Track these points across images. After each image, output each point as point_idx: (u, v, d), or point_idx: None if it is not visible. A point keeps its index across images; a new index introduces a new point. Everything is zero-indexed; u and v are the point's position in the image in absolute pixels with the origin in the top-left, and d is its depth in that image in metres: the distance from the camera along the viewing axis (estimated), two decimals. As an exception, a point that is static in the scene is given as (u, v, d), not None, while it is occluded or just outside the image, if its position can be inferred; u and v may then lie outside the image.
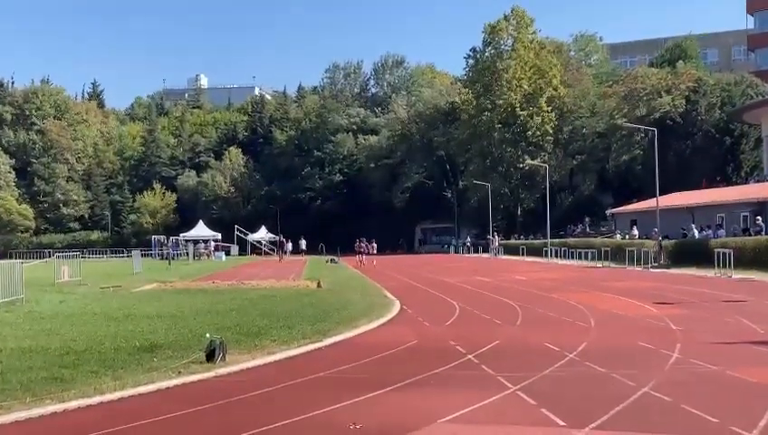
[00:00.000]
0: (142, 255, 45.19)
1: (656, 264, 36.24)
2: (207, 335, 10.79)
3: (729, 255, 28.75)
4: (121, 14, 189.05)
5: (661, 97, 63.07)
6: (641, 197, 52.45)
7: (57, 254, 35.13)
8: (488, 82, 71.86)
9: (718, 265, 29.24)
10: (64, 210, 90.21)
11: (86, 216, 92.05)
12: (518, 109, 69.57)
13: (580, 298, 19.90)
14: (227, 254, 69.34)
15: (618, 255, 40.22)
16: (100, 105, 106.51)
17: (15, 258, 35.00)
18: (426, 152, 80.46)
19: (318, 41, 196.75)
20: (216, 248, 69.35)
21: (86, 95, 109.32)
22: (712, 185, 53.04)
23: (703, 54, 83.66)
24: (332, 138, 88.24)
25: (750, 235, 35.53)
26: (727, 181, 56.42)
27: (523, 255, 54.14)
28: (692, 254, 35.01)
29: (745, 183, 53.76)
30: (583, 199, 69.71)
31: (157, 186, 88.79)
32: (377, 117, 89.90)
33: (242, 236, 77.55)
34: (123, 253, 63.42)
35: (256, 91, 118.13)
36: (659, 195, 40.90)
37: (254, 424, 7.10)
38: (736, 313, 16.01)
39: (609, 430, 6.84)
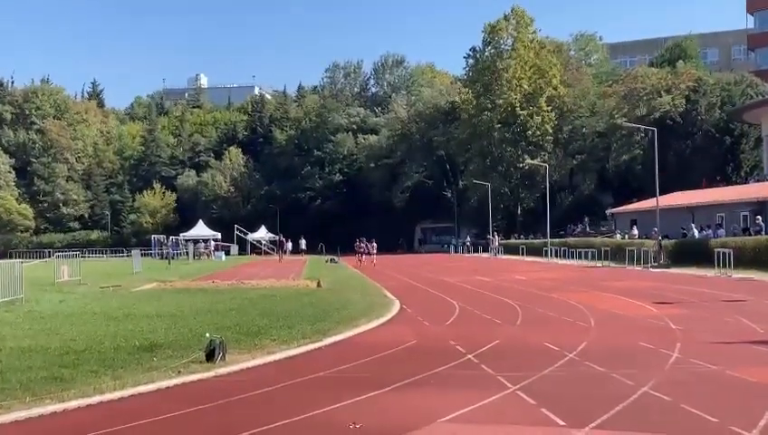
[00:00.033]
0: (142, 254, 45.19)
1: (656, 263, 36.24)
2: (207, 335, 10.79)
3: (729, 254, 28.77)
4: (121, 14, 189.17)
5: (661, 97, 63.09)
6: (641, 196, 52.45)
7: (57, 253, 35.13)
8: (488, 82, 71.88)
9: (718, 265, 29.25)
10: (64, 210, 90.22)
11: (86, 215, 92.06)
12: (518, 108, 69.58)
13: (579, 298, 19.90)
14: (227, 253, 69.35)
15: (618, 254, 40.23)
16: (100, 105, 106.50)
17: (15, 258, 35.02)
18: (426, 152, 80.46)
19: (318, 40, 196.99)
20: (216, 248, 69.35)
21: (86, 95, 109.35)
22: (712, 185, 53.05)
23: (703, 54, 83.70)
24: (332, 137, 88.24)
25: (750, 234, 35.54)
26: (727, 181, 56.43)
27: (522, 254, 54.14)
28: (692, 253, 35.01)
29: (745, 183, 53.77)
30: (583, 199, 69.72)
31: (157, 185, 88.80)
32: (377, 117, 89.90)
33: (242, 235, 77.57)
34: (123, 252, 63.44)
35: (256, 91, 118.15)
36: (659, 194, 40.90)
37: (254, 424, 7.10)
38: (736, 312, 16.01)
39: (609, 430, 6.84)
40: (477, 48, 75.26)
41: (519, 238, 64.11)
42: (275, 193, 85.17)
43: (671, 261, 36.08)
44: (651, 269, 34.70)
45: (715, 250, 30.33)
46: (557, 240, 53.30)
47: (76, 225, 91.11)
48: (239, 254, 72.89)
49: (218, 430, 7.18)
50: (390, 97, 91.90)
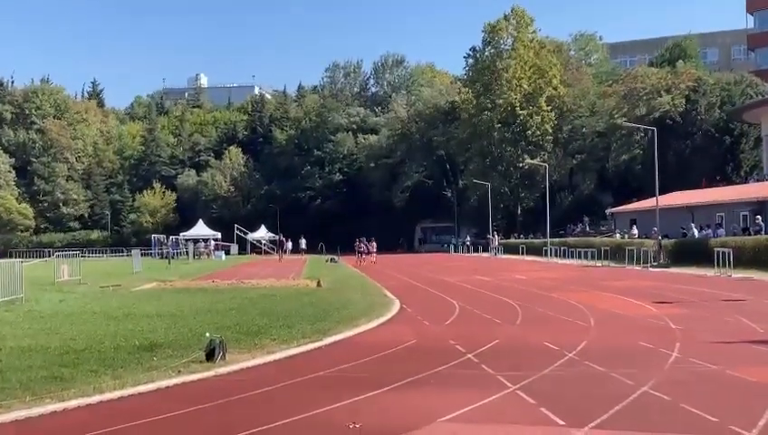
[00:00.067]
0: (142, 254, 45.19)
1: (655, 263, 36.24)
2: (207, 334, 10.78)
3: (729, 254, 28.77)
4: (121, 14, 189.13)
5: (661, 96, 63.10)
6: (641, 196, 52.45)
7: (57, 253, 35.14)
8: (488, 82, 71.90)
9: (718, 265, 29.25)
10: (64, 209, 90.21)
11: (86, 215, 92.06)
12: (518, 108, 69.61)
13: (579, 297, 19.90)
14: (227, 253, 69.37)
15: (617, 254, 40.23)
16: (100, 104, 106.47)
17: (15, 257, 35.03)
18: (425, 151, 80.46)
19: (318, 40, 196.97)
20: (216, 247, 69.40)
21: (86, 94, 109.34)
22: (711, 184, 53.06)
23: (702, 54, 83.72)
24: (332, 137, 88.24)
25: (749, 234, 35.54)
26: (727, 181, 56.42)
27: (522, 254, 54.15)
28: (691, 253, 35.01)
29: (745, 182, 53.77)
30: (583, 199, 69.72)
31: (156, 185, 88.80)
32: (377, 116, 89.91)
33: (242, 235, 77.58)
34: (123, 252, 63.44)
35: (256, 91, 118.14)
36: (659, 194, 40.92)
37: (254, 423, 7.11)
38: (736, 312, 16.02)
39: (609, 429, 6.84)
40: (477, 48, 75.37)
41: (519, 238, 64.13)
42: (275, 193, 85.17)
43: (671, 261, 36.08)
44: (651, 269, 34.70)
45: (715, 250, 30.33)
46: (557, 240, 53.32)
47: (76, 224, 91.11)
48: (239, 253, 72.89)
49: (218, 429, 7.19)
50: (390, 97, 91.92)
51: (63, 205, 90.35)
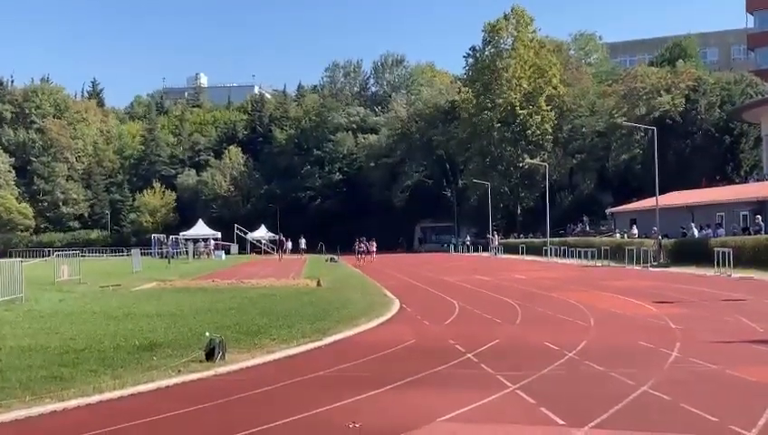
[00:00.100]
0: (142, 253, 45.19)
1: (655, 263, 36.25)
2: (207, 334, 10.78)
3: (729, 254, 28.78)
4: (121, 13, 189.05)
5: (661, 96, 63.10)
6: (641, 196, 52.46)
7: (57, 252, 35.15)
8: (488, 81, 71.91)
9: (718, 264, 29.26)
10: (64, 209, 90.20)
11: (86, 214, 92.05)
12: (518, 108, 69.62)
13: (579, 297, 19.90)
14: (227, 252, 69.38)
15: (617, 254, 40.23)
16: (100, 104, 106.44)
17: (15, 257, 35.01)
18: (425, 151, 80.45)
19: (318, 40, 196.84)
20: (216, 247, 69.39)
21: (86, 94, 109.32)
22: (711, 184, 53.07)
23: (702, 53, 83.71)
24: (332, 137, 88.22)
25: (749, 234, 35.55)
26: (727, 180, 56.42)
27: (522, 254, 54.15)
28: (691, 253, 35.02)
29: (745, 182, 53.77)
30: (583, 198, 69.72)
31: (156, 185, 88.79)
32: (376, 116, 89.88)
33: (241, 234, 77.57)
34: (123, 252, 63.43)
35: (256, 90, 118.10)
36: (659, 194, 40.93)
37: (254, 423, 7.11)
38: (736, 311, 16.02)
39: (609, 429, 6.84)
40: (477, 47, 75.40)
41: (519, 238, 64.14)
42: (275, 192, 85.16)
43: (671, 260, 36.09)
44: (651, 268, 34.70)
45: (715, 249, 30.34)
46: (557, 239, 53.33)
47: (76, 224, 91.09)
48: (239, 253, 72.87)
49: (218, 429, 7.18)
50: (390, 96, 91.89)
51: (63, 204, 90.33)
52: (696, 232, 39.58)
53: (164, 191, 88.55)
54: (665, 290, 22.31)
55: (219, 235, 74.08)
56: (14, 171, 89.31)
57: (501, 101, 70.52)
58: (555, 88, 70.65)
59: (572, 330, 13.67)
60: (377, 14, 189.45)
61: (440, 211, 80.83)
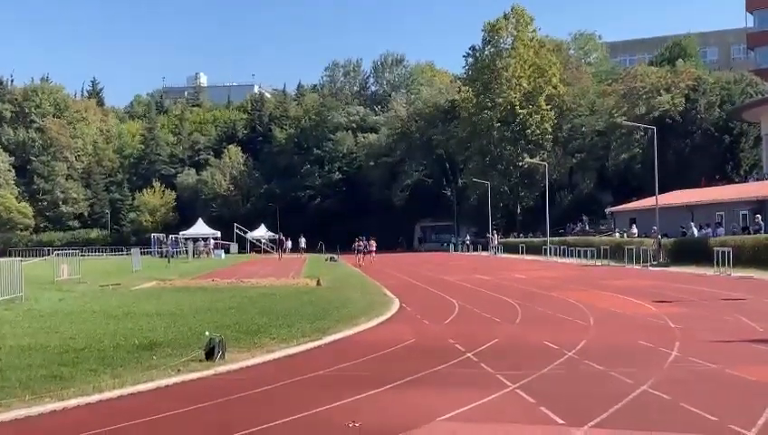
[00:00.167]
0: (142, 253, 45.19)
1: (655, 262, 36.25)
2: (207, 333, 10.78)
3: (728, 253, 28.78)
4: (121, 13, 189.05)
5: (660, 95, 63.11)
6: (640, 195, 52.48)
7: (56, 252, 35.10)
8: (488, 81, 71.91)
9: (717, 264, 29.26)
10: (64, 208, 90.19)
11: (85, 214, 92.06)
12: (517, 107, 69.62)
13: (579, 296, 19.91)
14: (227, 252, 69.39)
15: (617, 253, 40.23)
16: (100, 103, 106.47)
17: (15, 256, 35.00)
18: (425, 150, 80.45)
19: (318, 39, 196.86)
20: (216, 246, 69.40)
21: (85, 93, 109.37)
22: (711, 183, 53.08)
23: (702, 53, 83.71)
24: (332, 136, 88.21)
25: (749, 233, 35.56)
26: (727, 180, 56.43)
27: (522, 253, 54.15)
28: (691, 252, 35.02)
29: (745, 181, 53.76)
30: (583, 198, 69.73)
31: (156, 184, 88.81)
32: (376, 115, 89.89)
33: (241, 234, 77.58)
34: (122, 251, 63.41)
35: (256, 90, 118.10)
36: (659, 193, 40.93)
37: (254, 422, 7.11)
38: (735, 311, 16.03)
39: (608, 428, 6.85)
40: (477, 47, 75.43)
41: (518, 237, 64.15)
42: (275, 191, 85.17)
43: (670, 260, 36.10)
44: (650, 268, 34.71)
45: (715, 249, 30.35)
46: (556, 239, 53.35)
47: (76, 223, 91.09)
48: (239, 252, 72.87)
49: (218, 428, 7.18)
50: (390, 96, 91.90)
51: (63, 204, 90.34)
52: (695, 231, 39.59)
53: (164, 190, 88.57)
54: (664, 289, 22.31)
55: (219, 234, 74.09)
56: (13, 170, 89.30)
57: (501, 100, 70.52)
58: (555, 87, 70.65)
59: (572, 329, 13.68)
60: (377, 14, 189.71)
61: (440, 210, 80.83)
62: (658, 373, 9.32)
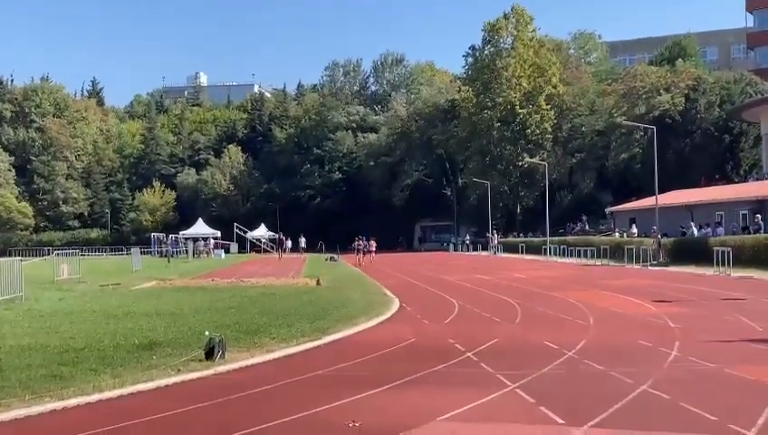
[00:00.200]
0: (141, 252, 45.19)
1: (655, 262, 36.25)
2: (207, 333, 10.78)
3: (728, 253, 28.76)
4: (121, 13, 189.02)
5: (660, 95, 63.11)
6: (640, 195, 52.47)
7: (56, 251, 35.12)
8: (487, 80, 71.92)
9: (717, 264, 29.24)
10: (64, 208, 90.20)
11: (85, 213, 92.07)
12: (517, 107, 69.62)
13: (579, 296, 19.91)
14: (227, 252, 69.39)
15: (617, 253, 40.23)
16: (100, 103, 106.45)
17: (15, 256, 35.00)
18: (425, 150, 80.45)
19: (318, 39, 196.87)
20: (216, 246, 69.40)
21: (85, 93, 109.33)
22: (711, 183, 53.06)
23: (702, 52, 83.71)
24: (332, 136, 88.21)
25: (749, 233, 35.56)
26: (726, 179, 56.42)
27: (522, 253, 54.15)
28: (691, 252, 35.01)
29: (744, 181, 53.76)
30: (582, 197, 69.73)
31: (156, 184, 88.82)
32: (376, 115, 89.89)
33: (241, 233, 77.59)
34: (122, 251, 63.42)
35: (256, 89, 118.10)
36: (658, 193, 40.92)
37: (253, 422, 7.11)
38: (735, 311, 16.03)
39: (608, 428, 6.85)
40: (477, 46, 75.41)
41: (518, 237, 64.15)
42: (275, 191, 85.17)
43: (670, 259, 36.09)
44: (650, 268, 34.71)
45: (714, 249, 30.34)
46: (556, 238, 53.35)
47: (76, 223, 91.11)
48: (239, 252, 72.87)
49: (217, 427, 7.19)
50: (390, 95, 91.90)
51: (63, 203, 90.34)
52: (695, 231, 39.59)
53: (164, 190, 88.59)
54: (664, 289, 22.31)
55: (219, 234, 74.09)
56: (13, 170, 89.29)
57: (500, 100, 70.52)
58: (555, 87, 70.64)
59: (572, 329, 13.68)
60: (377, 14, 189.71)
61: (440, 210, 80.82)
62: (658, 373, 9.32)
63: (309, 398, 8.13)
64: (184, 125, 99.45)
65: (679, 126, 60.75)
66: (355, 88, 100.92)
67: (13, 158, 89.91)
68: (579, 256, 44.16)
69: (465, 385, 8.84)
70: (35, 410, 7.64)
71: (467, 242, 71.21)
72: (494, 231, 62.91)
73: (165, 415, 7.52)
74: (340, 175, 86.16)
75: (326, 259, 48.61)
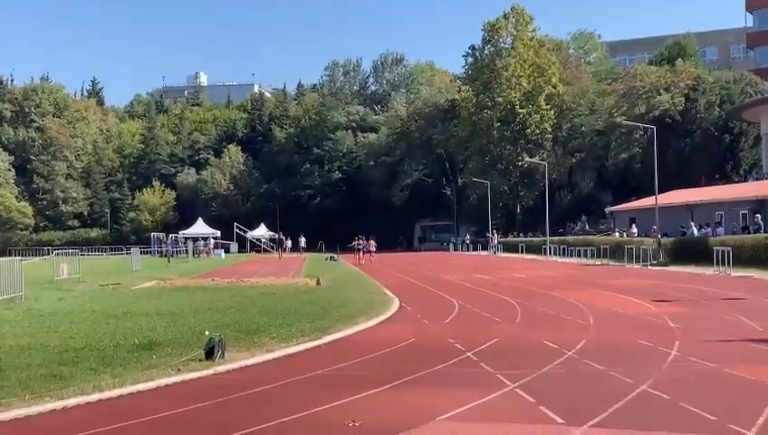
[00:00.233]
0: (141, 252, 45.20)
1: (654, 261, 36.26)
2: (207, 333, 10.78)
3: (728, 252, 28.77)
4: (121, 12, 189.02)
5: (660, 95, 63.12)
6: (640, 195, 52.49)
7: (56, 251, 35.07)
8: (487, 80, 71.93)
9: (717, 263, 29.26)
10: (63, 208, 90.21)
11: (85, 213, 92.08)
12: (517, 107, 69.62)
13: (579, 296, 19.90)
14: (227, 251, 69.39)
15: (617, 252, 40.24)
16: (100, 103, 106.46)
17: (15, 255, 34.99)
18: (425, 150, 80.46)
19: (317, 39, 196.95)
20: (216, 246, 69.38)
21: (85, 92, 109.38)
22: (711, 183, 53.07)
23: (702, 52, 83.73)
24: (332, 135, 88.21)
25: (749, 232, 35.57)
26: (726, 179, 56.45)
27: (522, 252, 54.16)
28: (691, 252, 35.03)
29: (744, 181, 53.78)
30: (582, 197, 69.75)
31: (156, 183, 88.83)
32: (376, 114, 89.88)
33: (241, 233, 77.58)
34: (122, 250, 63.40)
35: (256, 89, 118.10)
36: (658, 193, 40.94)
37: (253, 422, 7.11)
38: (735, 310, 16.03)
39: (608, 428, 6.84)
40: (477, 46, 75.42)
41: (518, 236, 64.16)
42: (275, 191, 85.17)
43: (670, 259, 36.10)
44: (650, 267, 34.72)
45: (714, 248, 30.35)
46: (556, 238, 53.35)
47: (75, 223, 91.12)
48: (239, 252, 72.88)
49: (217, 427, 7.18)
50: (390, 95, 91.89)
51: (63, 203, 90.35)
52: (695, 231, 39.60)
53: (163, 190, 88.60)
54: (664, 289, 22.32)
55: (219, 233, 74.09)
56: (13, 170, 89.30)
57: (500, 99, 70.52)
58: (555, 87, 70.65)
59: (572, 329, 13.68)
60: (377, 14, 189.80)
61: (440, 210, 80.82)
62: (658, 373, 9.32)
63: (309, 398, 8.12)
64: (184, 125, 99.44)
65: (679, 126, 60.77)
66: (355, 88, 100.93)
67: (12, 157, 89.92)
68: (579, 255, 44.17)
69: (464, 385, 8.84)
70: (35, 409, 7.64)
71: (467, 242, 71.23)
72: (494, 231, 62.91)
73: (165, 415, 7.51)
74: (340, 175, 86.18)
75: (326, 259, 48.61)
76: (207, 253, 65.43)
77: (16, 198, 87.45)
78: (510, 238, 64.37)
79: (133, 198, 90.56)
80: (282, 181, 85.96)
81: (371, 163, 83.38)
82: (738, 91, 63.40)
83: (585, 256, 42.94)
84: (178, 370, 9.57)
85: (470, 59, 75.69)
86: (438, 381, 9.11)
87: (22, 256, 38.00)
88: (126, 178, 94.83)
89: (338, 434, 6.86)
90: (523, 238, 61.46)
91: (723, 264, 28.89)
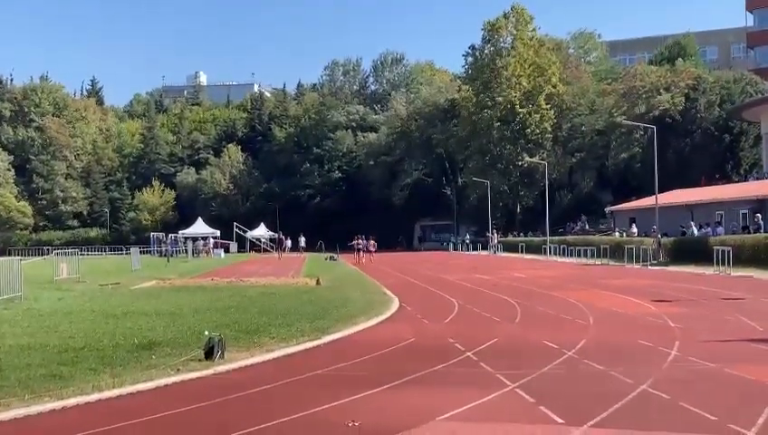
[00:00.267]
0: (141, 252, 45.20)
1: (654, 261, 36.26)
2: (206, 333, 10.77)
3: (728, 252, 28.76)
4: (121, 12, 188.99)
5: (660, 94, 63.11)
6: (640, 194, 52.48)
7: (56, 251, 35.09)
8: (487, 80, 71.90)
9: (717, 263, 29.25)
10: (63, 207, 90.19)
11: (85, 213, 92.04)
12: (517, 106, 69.61)
13: (578, 296, 19.90)
14: (226, 251, 69.37)
15: (617, 252, 40.23)
16: (99, 102, 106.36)
17: (14, 255, 35.00)
18: (425, 149, 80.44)
19: (317, 38, 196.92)
20: (215, 246, 69.36)
21: (85, 92, 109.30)
22: (711, 182, 53.07)
23: (702, 52, 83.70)
24: (331, 135, 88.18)
25: (749, 232, 35.58)
26: (726, 179, 56.44)
27: (522, 252, 54.15)
28: (691, 251, 35.03)
29: (744, 181, 53.77)
30: (582, 197, 69.75)
31: (156, 183, 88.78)
32: (376, 114, 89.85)
33: (241, 233, 77.56)
34: (122, 250, 63.42)
35: (255, 89, 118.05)
36: (658, 192, 40.93)
37: (253, 421, 7.10)
38: (735, 310, 16.03)
39: (608, 428, 6.84)
40: (477, 46, 75.38)
41: (518, 236, 64.16)
42: (274, 191, 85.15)
43: (670, 259, 36.10)
44: (650, 267, 34.71)
45: (714, 248, 30.34)
46: (556, 238, 53.35)
47: (75, 222, 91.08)
48: (238, 251, 72.86)
49: (217, 427, 7.18)
50: (390, 95, 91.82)
51: (62, 203, 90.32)
52: (695, 231, 39.60)
53: (163, 190, 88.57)
54: (664, 289, 22.31)
55: (218, 233, 74.04)
56: (13, 170, 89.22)
57: (500, 99, 70.50)
58: (555, 86, 70.65)
59: (572, 329, 13.67)
60: (377, 13, 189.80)
61: (440, 210, 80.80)
62: (658, 373, 9.31)
63: (308, 397, 8.12)
64: (183, 124, 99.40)
65: (679, 125, 60.76)
66: (355, 87, 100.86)
67: (12, 157, 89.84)
68: (579, 255, 44.16)
69: (464, 385, 8.84)
70: (35, 409, 7.63)
71: (467, 241, 71.21)
72: (494, 230, 62.91)
73: (164, 415, 7.51)
74: (340, 174, 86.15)
75: (326, 259, 48.61)
76: (207, 253, 65.40)
77: (16, 197, 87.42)
78: (510, 238, 64.36)
79: (133, 198, 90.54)
80: (281, 181, 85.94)
81: (371, 163, 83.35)
82: (738, 90, 63.40)
83: (585, 255, 42.93)
84: (178, 370, 9.57)
85: (470, 58, 75.67)
86: (438, 381, 9.11)
87: (21, 255, 38.04)
88: (125, 177, 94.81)
89: (337, 434, 6.86)
90: (522, 238, 61.45)
91: (723, 263, 28.89)
